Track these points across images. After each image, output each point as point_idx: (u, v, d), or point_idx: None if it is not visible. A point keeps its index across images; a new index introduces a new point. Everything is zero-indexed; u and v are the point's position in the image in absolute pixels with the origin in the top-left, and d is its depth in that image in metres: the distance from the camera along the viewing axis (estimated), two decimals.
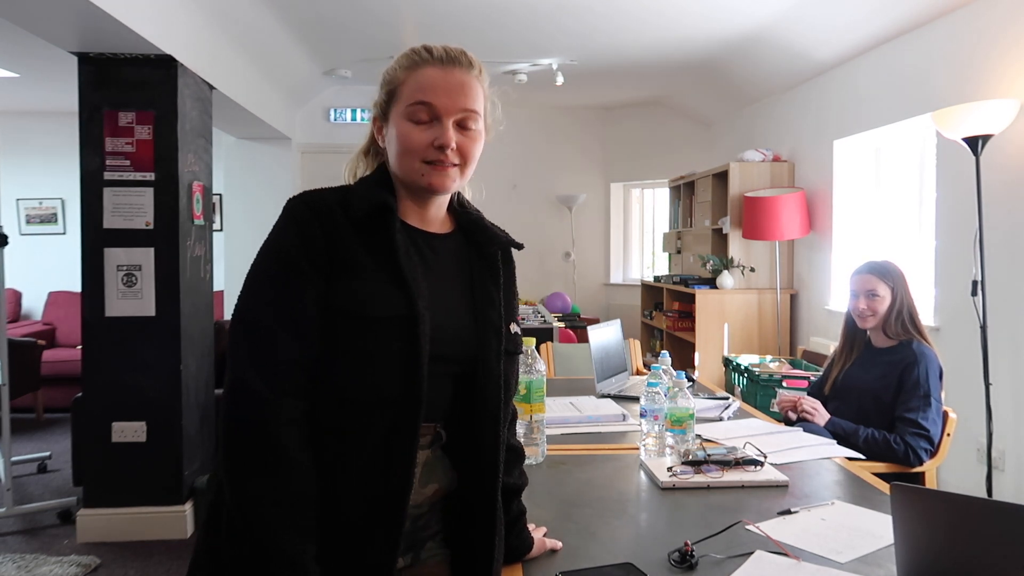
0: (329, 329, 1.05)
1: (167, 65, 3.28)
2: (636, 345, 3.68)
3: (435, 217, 1.20)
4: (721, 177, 5.51)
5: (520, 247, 1.25)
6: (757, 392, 3.71)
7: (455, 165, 1.13)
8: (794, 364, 3.96)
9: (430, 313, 1.09)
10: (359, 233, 1.09)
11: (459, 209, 1.24)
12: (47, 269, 6.62)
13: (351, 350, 1.05)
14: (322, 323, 1.05)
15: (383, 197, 1.11)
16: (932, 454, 2.36)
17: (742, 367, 4.03)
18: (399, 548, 1.06)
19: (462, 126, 1.13)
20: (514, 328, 1.22)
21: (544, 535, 1.36)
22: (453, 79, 1.12)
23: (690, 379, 2.67)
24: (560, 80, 5.65)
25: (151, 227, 3.27)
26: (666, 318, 5.91)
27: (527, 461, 1.80)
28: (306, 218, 1.07)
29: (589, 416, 2.28)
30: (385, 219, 1.10)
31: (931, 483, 2.40)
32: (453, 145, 1.11)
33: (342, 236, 1.07)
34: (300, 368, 1.04)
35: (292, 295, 1.05)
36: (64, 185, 6.57)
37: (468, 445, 1.16)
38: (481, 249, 1.22)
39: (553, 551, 1.32)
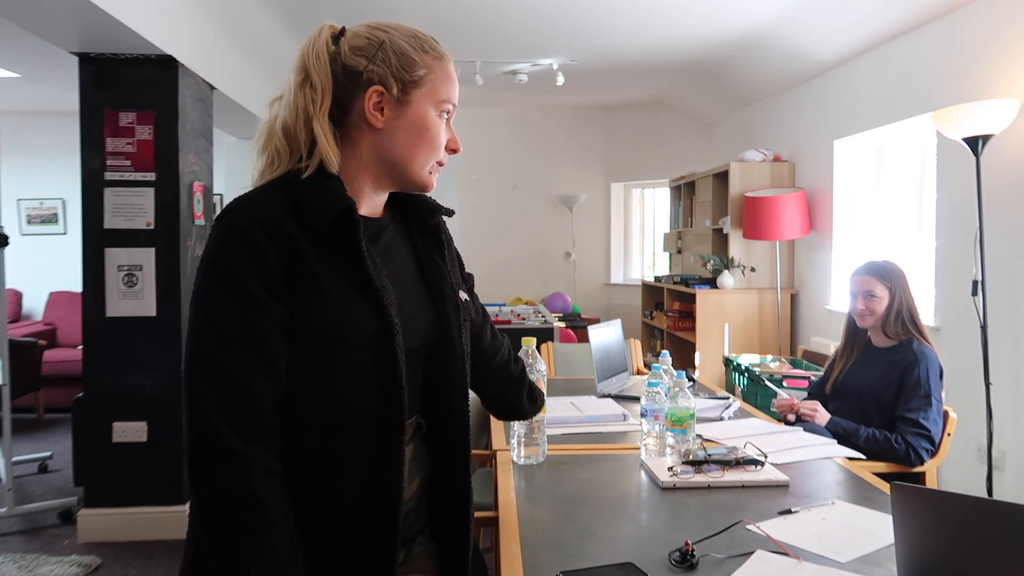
0: (299, 354, 0.98)
1: (168, 65, 3.28)
2: (637, 345, 3.68)
3: (381, 203, 1.13)
4: (721, 177, 5.51)
5: (451, 213, 1.19)
6: (757, 392, 3.71)
7: None
8: (795, 364, 3.96)
9: (399, 317, 1.03)
10: (318, 245, 0.99)
11: None
12: (48, 269, 6.62)
13: (325, 373, 0.99)
14: (290, 349, 0.98)
15: (345, 202, 1.00)
16: (933, 454, 2.36)
17: (743, 367, 4.03)
18: (396, 563, 1.03)
19: None
20: (463, 296, 1.18)
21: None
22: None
23: (691, 379, 2.67)
24: (560, 80, 5.65)
25: (152, 227, 3.27)
26: (667, 318, 5.91)
27: (527, 461, 1.81)
28: (257, 240, 0.95)
29: (590, 416, 2.28)
30: (347, 226, 1.00)
31: (932, 483, 2.40)
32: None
33: (300, 254, 0.97)
34: (272, 409, 0.96)
35: (253, 330, 0.95)
36: (65, 185, 6.56)
37: (439, 423, 1.15)
38: (421, 222, 1.17)
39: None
